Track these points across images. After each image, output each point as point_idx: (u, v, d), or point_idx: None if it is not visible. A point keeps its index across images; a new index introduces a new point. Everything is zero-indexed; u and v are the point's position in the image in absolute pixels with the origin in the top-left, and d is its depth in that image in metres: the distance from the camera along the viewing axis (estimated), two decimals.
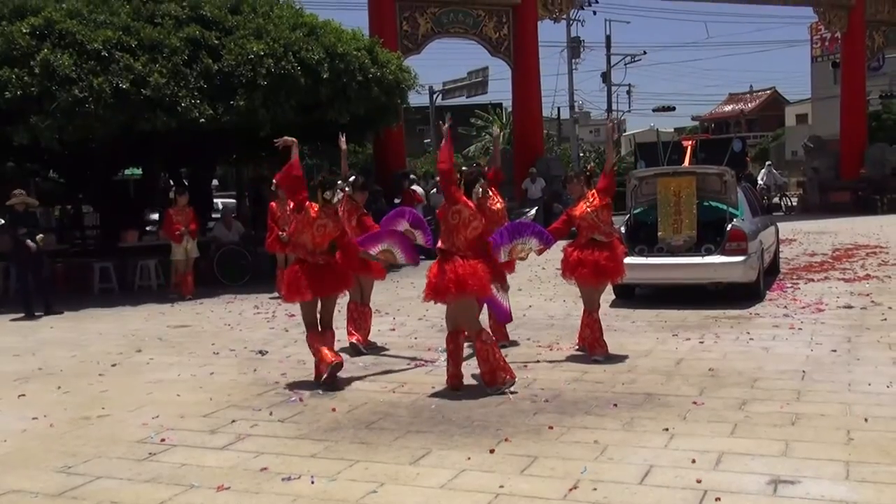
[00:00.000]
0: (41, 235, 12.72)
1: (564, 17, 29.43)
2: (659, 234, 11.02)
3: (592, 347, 7.85)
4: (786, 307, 10.30)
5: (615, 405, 6.22)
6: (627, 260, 11.00)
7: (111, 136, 14.09)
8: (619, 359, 7.80)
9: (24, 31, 13.20)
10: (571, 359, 7.96)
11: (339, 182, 7.61)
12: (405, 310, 11.44)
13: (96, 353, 9.26)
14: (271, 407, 6.64)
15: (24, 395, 7.40)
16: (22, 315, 12.17)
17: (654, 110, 60.41)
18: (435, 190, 19.53)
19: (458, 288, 6.59)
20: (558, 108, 55.05)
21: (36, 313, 12.22)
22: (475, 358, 6.99)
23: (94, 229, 19.72)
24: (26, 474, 5.26)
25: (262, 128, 14.37)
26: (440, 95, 37.74)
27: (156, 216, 18.40)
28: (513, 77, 24.79)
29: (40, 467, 5.38)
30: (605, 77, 50.88)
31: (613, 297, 11.40)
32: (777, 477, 4.70)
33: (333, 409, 6.41)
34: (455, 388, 6.82)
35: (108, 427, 6.27)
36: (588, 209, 7.86)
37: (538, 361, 7.89)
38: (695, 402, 6.22)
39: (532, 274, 14.75)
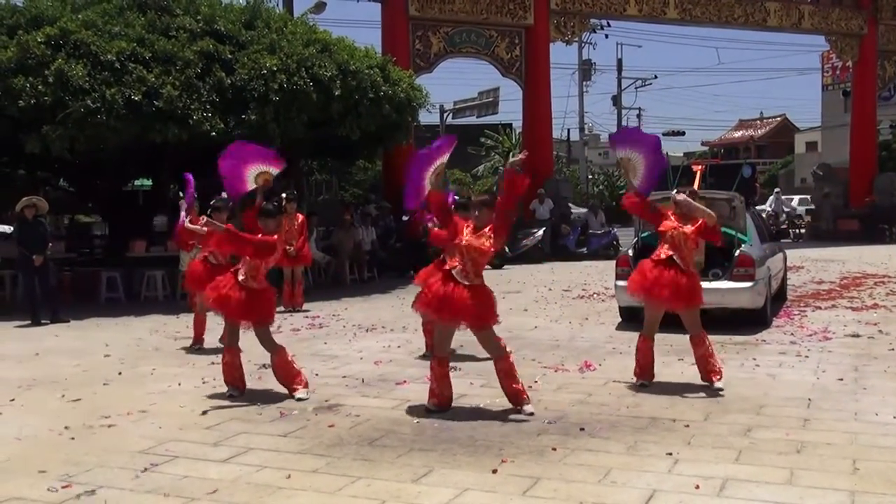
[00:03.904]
0: (50, 244, 12.80)
1: (576, 39, 29.56)
2: None
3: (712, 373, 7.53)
4: (792, 334, 10.26)
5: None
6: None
7: (122, 147, 14.16)
8: (625, 382, 7.76)
9: (40, 40, 13.30)
10: (576, 381, 7.92)
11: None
12: (411, 327, 11.41)
13: (100, 362, 9.27)
14: (274, 421, 6.62)
15: (26, 402, 7.41)
16: (28, 322, 12.20)
17: (663, 134, 60.39)
18: None
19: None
20: (568, 130, 55.44)
21: (42, 321, 12.25)
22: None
23: (102, 239, 19.78)
24: (27, 482, 5.25)
25: (272, 142, 14.41)
26: (451, 114, 37.88)
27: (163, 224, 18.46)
28: (523, 98, 24.86)
29: (41, 475, 5.37)
30: (616, 100, 51.17)
31: (620, 319, 11.39)
32: None
33: (332, 426, 6.39)
34: (442, 409, 6.72)
35: (110, 436, 6.26)
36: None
37: (537, 381, 7.85)
38: (700, 428, 6.19)
39: (538, 294, 14.74)
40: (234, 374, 7.54)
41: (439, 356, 6.83)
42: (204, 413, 6.87)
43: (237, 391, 7.49)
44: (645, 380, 7.62)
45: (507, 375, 6.74)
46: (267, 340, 7.50)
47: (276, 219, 7.58)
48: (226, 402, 7.24)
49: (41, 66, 13.09)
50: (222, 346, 9.88)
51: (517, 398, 6.70)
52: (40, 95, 12.87)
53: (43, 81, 12.93)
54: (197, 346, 9.96)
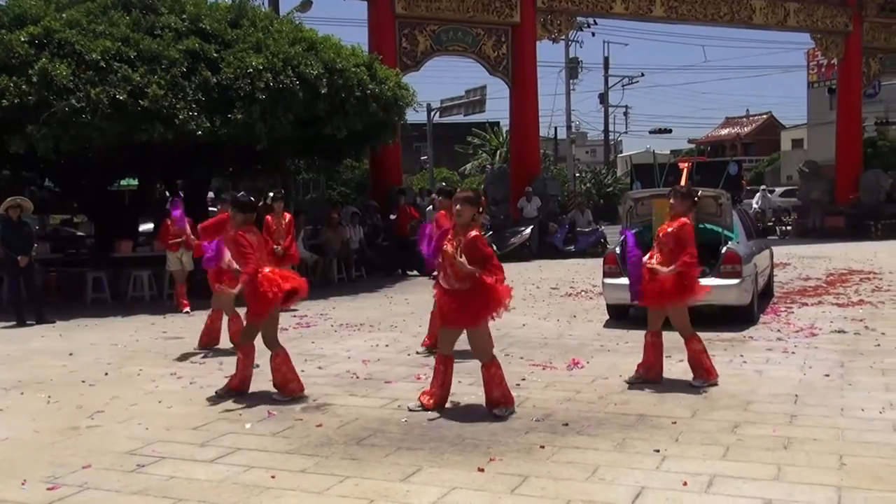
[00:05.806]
0: (35, 245, 12.72)
1: (563, 37, 29.53)
2: None
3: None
4: (779, 331, 10.30)
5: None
6: (620, 281, 11.06)
7: (108, 147, 14.08)
8: (613, 379, 7.78)
9: (23, 39, 13.20)
10: (564, 378, 7.93)
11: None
12: (399, 326, 11.41)
13: (86, 363, 9.22)
14: (262, 421, 6.60)
15: (12, 403, 7.36)
16: (13, 323, 12.13)
17: (650, 132, 60.67)
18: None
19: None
20: (555, 128, 55.62)
21: (27, 322, 12.17)
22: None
23: (88, 239, 19.69)
24: (13, 484, 5.21)
25: (259, 141, 14.37)
26: (438, 113, 37.85)
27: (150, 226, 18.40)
28: (511, 96, 24.86)
29: (27, 477, 5.33)
30: (603, 98, 51.30)
31: (608, 317, 11.41)
32: (769, 501, 4.68)
33: (319, 425, 6.37)
34: (434, 408, 6.70)
35: (96, 438, 6.23)
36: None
37: (525, 379, 7.85)
38: (687, 424, 6.20)
39: (526, 292, 14.74)
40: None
41: (440, 354, 6.87)
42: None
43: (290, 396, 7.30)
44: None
45: (489, 381, 6.66)
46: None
47: (247, 215, 7.45)
48: (216, 404, 7.20)
49: (25, 65, 12.99)
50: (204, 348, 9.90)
51: (493, 402, 6.63)
52: (24, 95, 12.77)
53: (27, 81, 12.83)
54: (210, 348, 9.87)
